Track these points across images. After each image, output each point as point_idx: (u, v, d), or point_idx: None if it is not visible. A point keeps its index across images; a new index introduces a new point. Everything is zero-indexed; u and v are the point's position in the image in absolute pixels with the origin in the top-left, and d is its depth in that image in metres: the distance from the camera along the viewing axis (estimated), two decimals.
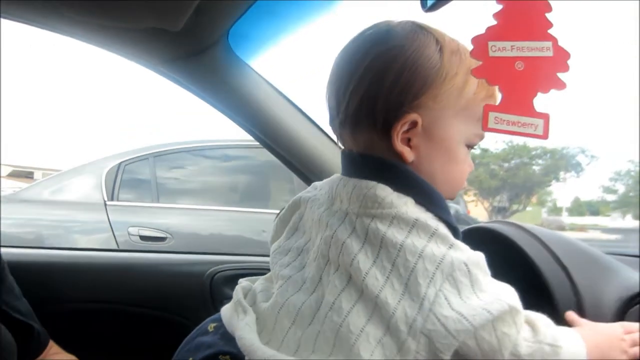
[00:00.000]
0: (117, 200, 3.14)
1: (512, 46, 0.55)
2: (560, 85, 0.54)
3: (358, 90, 0.64)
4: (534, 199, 19.72)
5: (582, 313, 0.78)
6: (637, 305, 0.74)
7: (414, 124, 0.63)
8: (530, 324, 0.60)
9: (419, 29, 0.66)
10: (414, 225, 0.59)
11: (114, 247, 2.93)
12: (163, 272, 1.49)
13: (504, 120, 0.56)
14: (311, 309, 0.62)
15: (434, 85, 0.63)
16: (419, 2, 0.72)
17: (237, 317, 0.68)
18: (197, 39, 1.04)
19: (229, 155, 3.52)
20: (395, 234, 0.59)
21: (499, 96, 0.61)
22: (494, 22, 0.57)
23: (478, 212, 15.64)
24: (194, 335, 0.74)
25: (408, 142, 0.64)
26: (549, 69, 0.54)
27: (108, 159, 3.28)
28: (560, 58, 0.54)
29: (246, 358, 0.63)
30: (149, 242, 2.95)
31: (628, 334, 0.70)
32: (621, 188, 20.56)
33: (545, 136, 0.54)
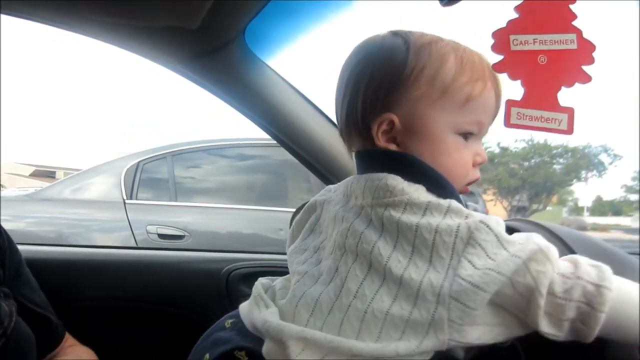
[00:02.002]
0: (136, 199, 3.19)
1: (534, 39, 0.54)
2: (585, 78, 0.53)
3: (344, 102, 0.69)
4: (554, 199, 19.43)
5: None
6: None
7: (391, 123, 0.65)
8: (572, 261, 0.59)
9: (391, 35, 0.69)
10: (427, 207, 0.60)
11: (133, 245, 2.97)
12: (180, 269, 1.50)
13: (527, 116, 0.55)
14: (330, 299, 0.62)
15: (400, 81, 0.64)
16: None
17: (259, 310, 0.68)
18: (214, 37, 1.04)
19: (246, 154, 3.54)
20: (410, 218, 0.59)
21: (487, 79, 0.62)
22: (516, 15, 0.56)
23: (497, 211, 15.45)
24: (211, 331, 0.75)
25: (395, 140, 0.66)
26: (573, 62, 0.53)
27: (127, 158, 3.33)
28: (585, 50, 0.53)
29: (267, 343, 0.63)
30: (167, 240, 2.99)
31: None
32: None
33: (570, 131, 0.53)
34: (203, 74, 1.15)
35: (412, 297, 0.57)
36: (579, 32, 0.53)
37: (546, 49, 0.54)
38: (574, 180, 18.43)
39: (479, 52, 0.67)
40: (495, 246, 0.57)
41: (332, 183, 0.81)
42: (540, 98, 0.54)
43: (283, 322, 0.63)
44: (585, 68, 0.53)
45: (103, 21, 0.98)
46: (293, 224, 0.81)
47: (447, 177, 0.65)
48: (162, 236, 3.00)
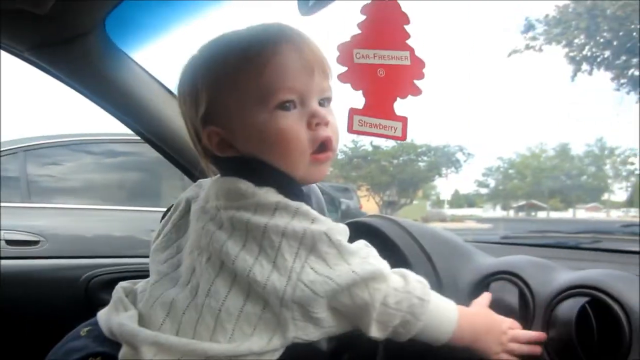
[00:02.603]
0: None
1: (374, 54, 0.60)
2: (417, 91, 0.60)
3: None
4: (420, 193, 21.20)
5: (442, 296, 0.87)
6: (485, 288, 0.84)
7: (217, 134, 0.69)
8: (403, 276, 0.67)
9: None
10: (276, 208, 0.63)
11: None
12: (33, 279, 1.38)
13: (367, 123, 0.61)
14: (185, 298, 0.64)
15: (200, 96, 0.69)
16: (297, 6, 0.75)
17: (117, 314, 0.67)
18: (68, 26, 0.97)
19: (115, 150, 3.29)
20: (260, 219, 0.62)
21: (276, 47, 0.65)
22: (359, 31, 0.61)
23: (370, 206, 16.42)
24: (64, 342, 0.71)
25: (232, 146, 0.69)
26: (407, 77, 0.59)
27: None
28: (417, 67, 0.59)
29: (123, 347, 0.62)
30: (17, 247, 2.66)
31: (512, 329, 0.74)
32: (492, 182, 22.92)
33: (403, 137, 0.60)
34: (56, 64, 1.07)
35: (261, 297, 0.61)
36: (411, 50, 0.59)
37: (384, 63, 0.60)
38: (436, 177, 20.34)
39: (252, 32, 0.69)
40: (336, 258, 0.63)
41: (199, 178, 0.82)
42: (379, 107, 0.60)
43: (138, 326, 0.63)
44: (418, 82, 0.60)
45: None
46: (161, 220, 0.80)
47: (290, 155, 0.66)
48: (10, 242, 2.66)
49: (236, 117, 0.67)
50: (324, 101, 0.69)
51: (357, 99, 0.64)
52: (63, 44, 1.02)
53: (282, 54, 0.66)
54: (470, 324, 0.72)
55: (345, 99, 0.65)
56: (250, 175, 0.66)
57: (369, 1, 0.62)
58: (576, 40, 11.17)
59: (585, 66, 11.04)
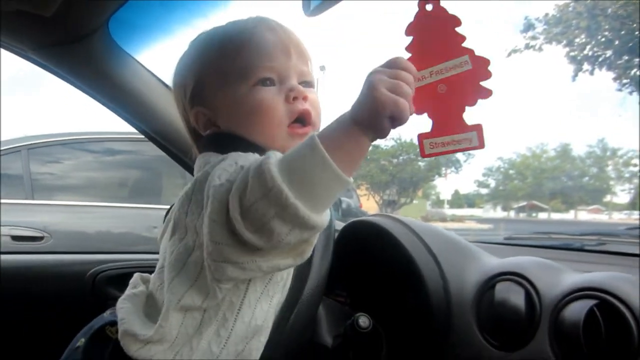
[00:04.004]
0: None
1: (430, 72, 0.55)
2: (486, 93, 0.55)
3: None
4: (420, 193, 21.20)
5: (447, 295, 0.87)
6: (491, 289, 0.84)
7: (203, 115, 0.75)
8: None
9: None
10: (220, 162, 0.65)
11: None
12: (39, 274, 1.38)
13: (439, 143, 0.56)
14: (157, 272, 0.71)
15: (187, 80, 0.75)
16: (301, 6, 0.75)
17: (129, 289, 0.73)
18: (72, 27, 0.97)
19: (115, 149, 3.29)
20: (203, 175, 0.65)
21: (252, 29, 0.72)
22: (409, 55, 0.56)
23: (370, 205, 16.42)
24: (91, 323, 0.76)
25: (216, 124, 0.74)
26: (472, 82, 0.54)
27: None
28: (481, 67, 0.54)
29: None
30: (23, 242, 2.67)
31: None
32: (492, 182, 22.93)
33: (481, 146, 0.54)
34: (61, 64, 1.07)
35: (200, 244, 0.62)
36: (470, 52, 0.54)
37: (443, 77, 0.55)
38: (436, 176, 20.33)
39: (235, 21, 0.75)
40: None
41: None
42: (448, 124, 0.55)
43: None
44: (485, 83, 0.54)
45: None
46: (166, 216, 0.82)
47: (266, 126, 0.70)
48: (16, 238, 2.67)
49: (219, 95, 0.72)
50: (305, 84, 0.74)
51: (424, 123, 0.58)
52: (67, 45, 1.02)
53: (259, 35, 0.72)
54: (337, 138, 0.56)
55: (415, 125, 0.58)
56: (223, 147, 0.69)
57: (412, 20, 0.56)
58: (577, 40, 11.16)
59: (586, 66, 11.03)
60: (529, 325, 0.76)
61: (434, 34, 0.55)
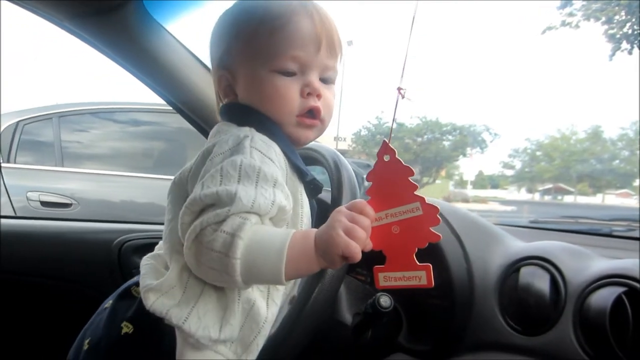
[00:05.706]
0: (14, 162, 2.88)
1: (386, 214, 0.62)
2: (435, 237, 0.60)
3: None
4: (443, 173, 20.97)
5: (470, 277, 0.87)
6: (515, 273, 0.83)
7: (227, 79, 0.77)
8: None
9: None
10: (238, 138, 0.68)
11: (10, 213, 2.71)
12: (67, 241, 1.42)
13: (391, 277, 0.63)
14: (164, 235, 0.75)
15: (224, 42, 0.77)
16: None
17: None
18: None
19: (139, 120, 3.34)
20: (216, 147, 0.69)
21: (289, 17, 0.72)
22: (368, 198, 0.64)
23: None
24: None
25: (235, 93, 0.78)
26: (422, 226, 0.60)
27: (4, 116, 2.97)
28: (430, 214, 0.60)
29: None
30: (52, 209, 2.75)
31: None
32: (518, 164, 22.49)
33: (429, 284, 0.61)
34: (95, 34, 1.07)
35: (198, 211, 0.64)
36: (422, 199, 0.60)
37: (397, 219, 0.62)
38: (460, 156, 20.04)
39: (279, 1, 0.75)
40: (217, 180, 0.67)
41: None
42: (400, 261, 0.62)
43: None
44: (434, 229, 0.60)
45: None
46: None
47: (277, 111, 0.73)
48: (45, 204, 2.76)
49: (243, 67, 0.75)
50: (327, 79, 0.76)
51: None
52: (102, 14, 1.03)
53: (295, 23, 0.72)
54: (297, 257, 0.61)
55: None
56: (237, 117, 0.75)
57: (374, 167, 0.64)
58: (617, 17, 10.65)
59: (625, 44, 10.54)
60: (553, 310, 0.75)
61: (390, 181, 0.62)
